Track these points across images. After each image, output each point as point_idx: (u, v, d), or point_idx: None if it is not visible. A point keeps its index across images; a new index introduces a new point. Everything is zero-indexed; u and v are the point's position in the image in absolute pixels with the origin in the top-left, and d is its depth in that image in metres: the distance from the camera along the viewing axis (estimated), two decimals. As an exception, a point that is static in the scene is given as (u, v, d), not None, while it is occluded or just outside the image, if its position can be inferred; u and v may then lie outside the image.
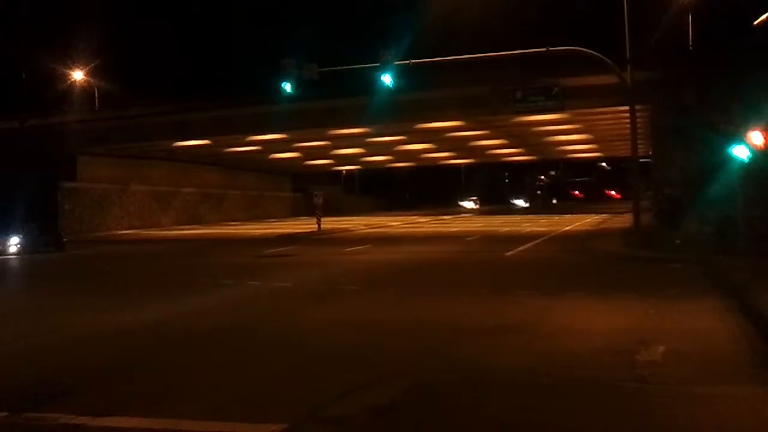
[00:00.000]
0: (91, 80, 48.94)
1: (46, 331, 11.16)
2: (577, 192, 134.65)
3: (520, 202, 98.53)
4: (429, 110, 37.61)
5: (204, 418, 6.49)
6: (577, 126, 45.37)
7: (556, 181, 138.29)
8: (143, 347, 9.94)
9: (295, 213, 71.89)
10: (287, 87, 25.47)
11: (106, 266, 23.22)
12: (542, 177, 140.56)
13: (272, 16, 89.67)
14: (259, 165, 64.86)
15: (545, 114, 36.70)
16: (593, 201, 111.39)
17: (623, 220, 39.39)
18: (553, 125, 44.58)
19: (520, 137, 52.06)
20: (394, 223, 52.00)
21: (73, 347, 10.03)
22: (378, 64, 24.67)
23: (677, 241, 23.15)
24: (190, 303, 14.14)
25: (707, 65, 28.80)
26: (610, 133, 48.02)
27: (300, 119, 39.03)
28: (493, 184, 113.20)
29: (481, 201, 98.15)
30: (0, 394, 7.44)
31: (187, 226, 52.48)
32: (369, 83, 26.48)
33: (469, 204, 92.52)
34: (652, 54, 29.86)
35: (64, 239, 31.35)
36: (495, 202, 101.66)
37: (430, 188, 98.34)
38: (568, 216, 57.43)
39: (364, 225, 49.10)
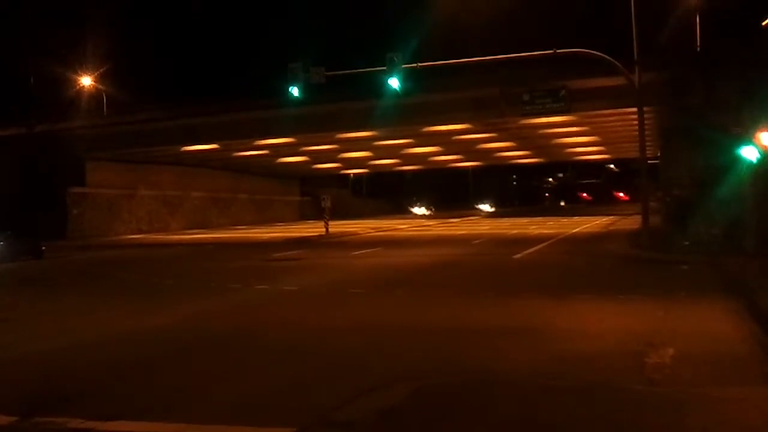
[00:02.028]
0: (99, 86, 49.15)
1: (52, 337, 11.20)
2: (585, 194, 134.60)
3: (486, 207, 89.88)
4: (436, 113, 37.61)
5: (212, 422, 6.50)
6: (585, 128, 45.27)
7: (565, 183, 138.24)
8: (149, 352, 9.95)
9: (303, 217, 71.96)
10: (295, 91, 25.52)
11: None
12: (550, 179, 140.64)
13: (280, 21, 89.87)
14: (266, 169, 64.95)
15: (553, 116, 36.64)
16: (601, 203, 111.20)
17: (632, 222, 39.29)
18: (561, 127, 44.50)
19: (528, 139, 51.98)
20: (402, 226, 52.01)
21: (81, 353, 10.06)
22: (385, 68, 24.69)
23: (686, 243, 23.08)
24: (197, 307, 14.14)
25: (715, 66, 28.68)
26: (618, 135, 47.87)
27: (307, 123, 39.10)
28: (457, 187, 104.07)
29: (443, 206, 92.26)
30: (9, 398, 7.47)
31: (196, 231, 52.59)
32: (376, 86, 26.51)
33: (420, 210, 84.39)
34: (659, 55, 29.79)
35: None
36: (460, 207, 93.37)
37: (438, 191, 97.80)
38: (576, 218, 57.32)
39: (372, 228, 49.10)
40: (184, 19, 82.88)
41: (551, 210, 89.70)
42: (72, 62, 49.55)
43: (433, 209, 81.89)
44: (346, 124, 40.37)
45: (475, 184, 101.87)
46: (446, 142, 51.93)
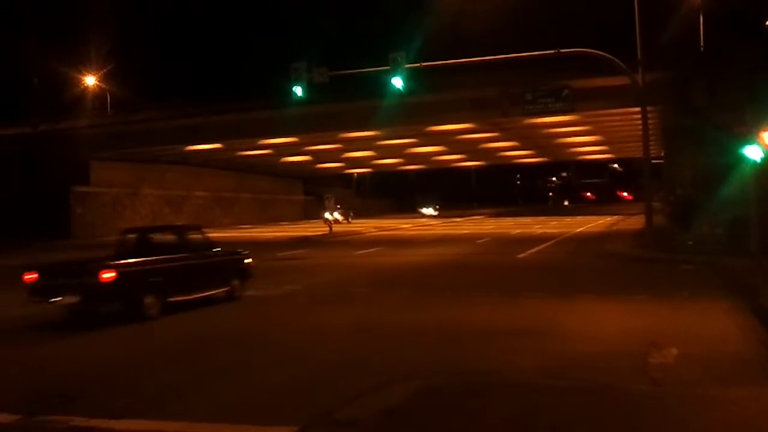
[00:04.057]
0: (103, 85, 49.21)
1: (56, 336, 11.23)
2: (588, 194, 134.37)
3: (429, 211, 78.51)
4: (439, 113, 37.59)
5: (215, 421, 6.52)
6: (588, 127, 45.23)
7: (568, 183, 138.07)
8: (152, 351, 9.98)
9: (306, 216, 71.93)
10: (298, 90, 25.50)
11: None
12: (553, 179, 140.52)
13: (283, 21, 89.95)
14: (270, 168, 65.00)
15: (555, 116, 36.59)
16: (605, 202, 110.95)
17: (635, 222, 39.21)
18: (564, 127, 44.46)
19: (531, 139, 51.94)
20: (405, 226, 52.00)
21: (83, 351, 10.08)
22: (388, 67, 24.68)
23: (689, 243, 23.05)
24: (198, 306, 14.15)
25: (718, 65, 28.66)
26: (622, 135, 47.83)
27: (311, 122, 39.09)
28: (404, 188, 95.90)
29: (390, 209, 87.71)
30: (13, 397, 7.49)
31: (199, 230, 52.52)
32: (379, 86, 26.48)
33: (332, 216, 71.36)
34: (663, 55, 29.73)
35: None
36: (404, 210, 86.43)
37: (440, 191, 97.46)
38: (579, 218, 57.26)
39: (375, 228, 49.13)
40: (188, 18, 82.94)
41: (554, 209, 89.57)
42: (76, 62, 49.71)
43: (351, 214, 67.26)
44: (349, 123, 40.36)
45: (421, 185, 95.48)
46: (449, 141, 51.94)
